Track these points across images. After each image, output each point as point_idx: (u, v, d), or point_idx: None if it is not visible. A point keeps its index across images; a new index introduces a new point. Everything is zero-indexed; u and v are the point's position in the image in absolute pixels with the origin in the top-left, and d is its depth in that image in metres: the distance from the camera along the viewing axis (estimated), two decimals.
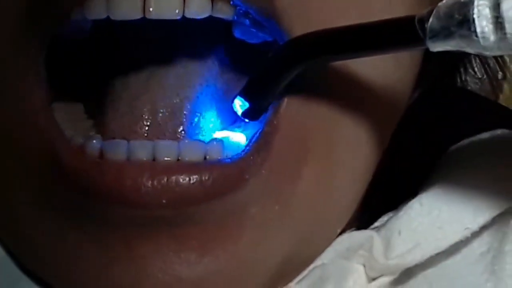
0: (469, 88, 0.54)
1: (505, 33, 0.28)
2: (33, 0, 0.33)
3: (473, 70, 0.53)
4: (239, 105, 0.37)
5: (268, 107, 0.36)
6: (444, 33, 0.29)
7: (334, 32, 0.33)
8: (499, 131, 0.43)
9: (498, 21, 0.28)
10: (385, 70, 0.37)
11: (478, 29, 0.28)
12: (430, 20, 0.29)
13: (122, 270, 0.34)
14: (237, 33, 0.36)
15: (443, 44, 0.29)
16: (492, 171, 0.39)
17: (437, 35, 0.29)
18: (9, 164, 0.35)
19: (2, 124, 0.35)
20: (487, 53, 0.29)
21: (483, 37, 0.28)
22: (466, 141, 0.43)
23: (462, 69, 0.54)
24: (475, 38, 0.28)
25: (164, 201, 0.32)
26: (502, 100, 0.55)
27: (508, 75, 0.54)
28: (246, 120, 0.37)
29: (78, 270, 0.35)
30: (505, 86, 0.54)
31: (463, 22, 0.28)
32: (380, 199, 0.42)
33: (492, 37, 0.28)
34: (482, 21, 0.28)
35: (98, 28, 0.37)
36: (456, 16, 0.28)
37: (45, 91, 0.35)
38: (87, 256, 0.34)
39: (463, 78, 0.53)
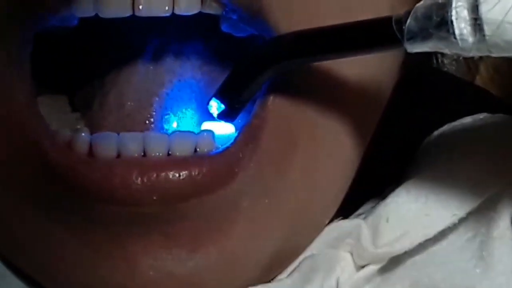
0: (445, 69, 0.53)
1: (484, 35, 0.27)
2: None
3: None
4: (216, 106, 0.37)
5: (244, 108, 0.36)
6: (422, 34, 0.29)
7: (310, 34, 0.32)
8: (481, 116, 0.43)
9: (476, 23, 0.27)
10: (369, 67, 0.37)
11: (457, 31, 0.28)
12: (408, 21, 0.29)
13: (112, 268, 0.34)
14: (224, 27, 0.36)
15: (421, 45, 0.29)
16: (477, 157, 0.39)
17: (415, 36, 0.29)
18: None
19: None
20: (465, 54, 0.28)
21: (462, 39, 0.28)
22: (448, 126, 0.43)
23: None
24: (453, 40, 0.28)
25: (154, 197, 0.32)
26: (479, 81, 0.55)
27: (484, 57, 0.54)
28: (222, 122, 0.37)
29: (67, 268, 0.35)
30: (481, 67, 0.54)
31: (441, 23, 0.28)
32: (362, 186, 0.42)
33: (470, 39, 0.28)
34: (461, 23, 0.28)
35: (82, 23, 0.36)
36: (434, 17, 0.28)
37: (29, 86, 0.34)
38: (75, 254, 0.34)
39: (439, 60, 0.53)
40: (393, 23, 0.29)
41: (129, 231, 0.33)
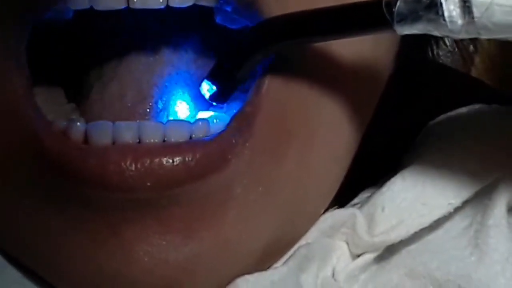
0: (440, 61, 0.53)
1: (473, 17, 0.27)
2: None
3: (445, 44, 0.53)
4: (207, 88, 0.37)
5: (235, 90, 0.36)
6: (412, 17, 0.29)
7: (301, 15, 0.32)
8: (476, 106, 0.43)
9: (465, 5, 0.27)
10: (363, 51, 0.37)
11: (446, 13, 0.28)
12: (398, 4, 0.29)
13: (108, 255, 0.34)
14: (218, 19, 0.36)
15: (411, 27, 0.29)
16: (473, 147, 0.40)
17: (404, 19, 0.29)
18: None
19: None
20: (454, 36, 0.29)
21: (451, 21, 0.28)
22: (444, 116, 0.43)
23: (433, 42, 0.53)
24: (442, 22, 0.28)
25: (148, 183, 0.32)
26: (474, 72, 0.55)
27: (479, 48, 0.54)
28: (214, 104, 0.37)
29: (62, 256, 0.35)
30: (477, 59, 0.54)
31: (430, 6, 0.28)
32: (358, 175, 0.42)
33: (459, 21, 0.28)
34: (450, 5, 0.28)
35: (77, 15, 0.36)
36: (424, 0, 0.28)
37: (26, 77, 0.34)
38: (71, 242, 0.34)
39: (434, 52, 0.53)
40: (383, 6, 0.29)
41: (123, 218, 0.33)
